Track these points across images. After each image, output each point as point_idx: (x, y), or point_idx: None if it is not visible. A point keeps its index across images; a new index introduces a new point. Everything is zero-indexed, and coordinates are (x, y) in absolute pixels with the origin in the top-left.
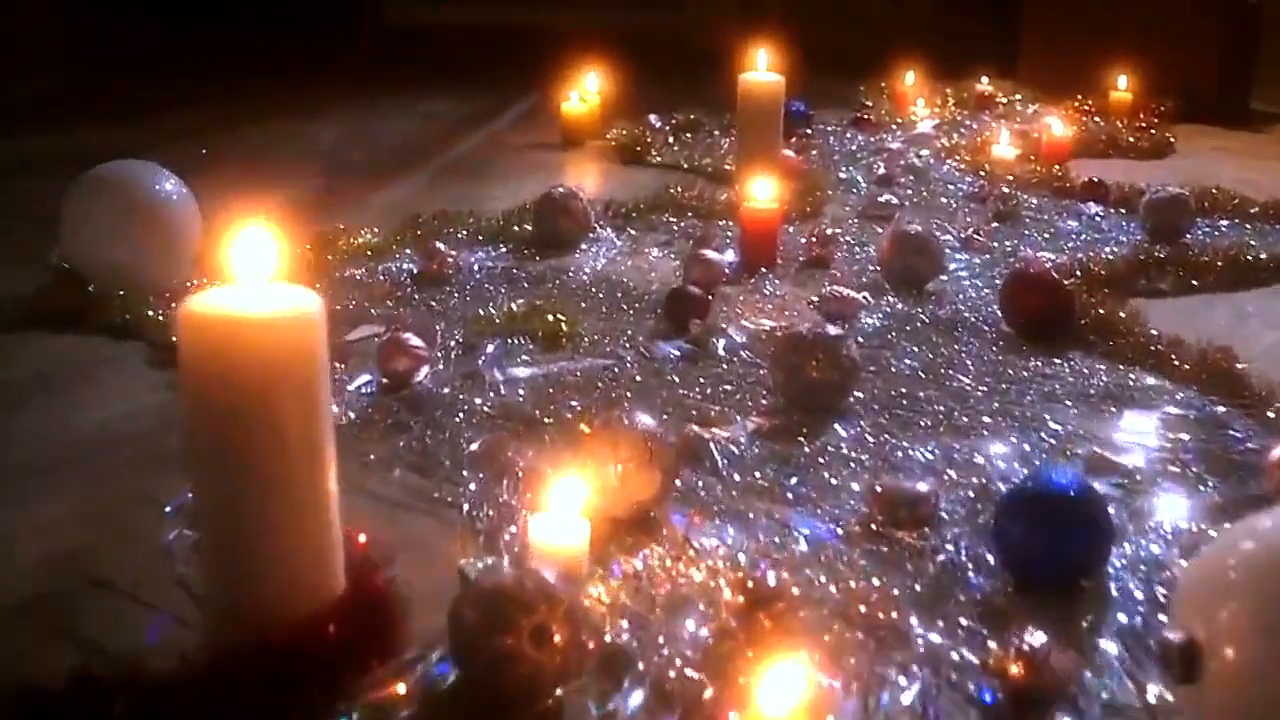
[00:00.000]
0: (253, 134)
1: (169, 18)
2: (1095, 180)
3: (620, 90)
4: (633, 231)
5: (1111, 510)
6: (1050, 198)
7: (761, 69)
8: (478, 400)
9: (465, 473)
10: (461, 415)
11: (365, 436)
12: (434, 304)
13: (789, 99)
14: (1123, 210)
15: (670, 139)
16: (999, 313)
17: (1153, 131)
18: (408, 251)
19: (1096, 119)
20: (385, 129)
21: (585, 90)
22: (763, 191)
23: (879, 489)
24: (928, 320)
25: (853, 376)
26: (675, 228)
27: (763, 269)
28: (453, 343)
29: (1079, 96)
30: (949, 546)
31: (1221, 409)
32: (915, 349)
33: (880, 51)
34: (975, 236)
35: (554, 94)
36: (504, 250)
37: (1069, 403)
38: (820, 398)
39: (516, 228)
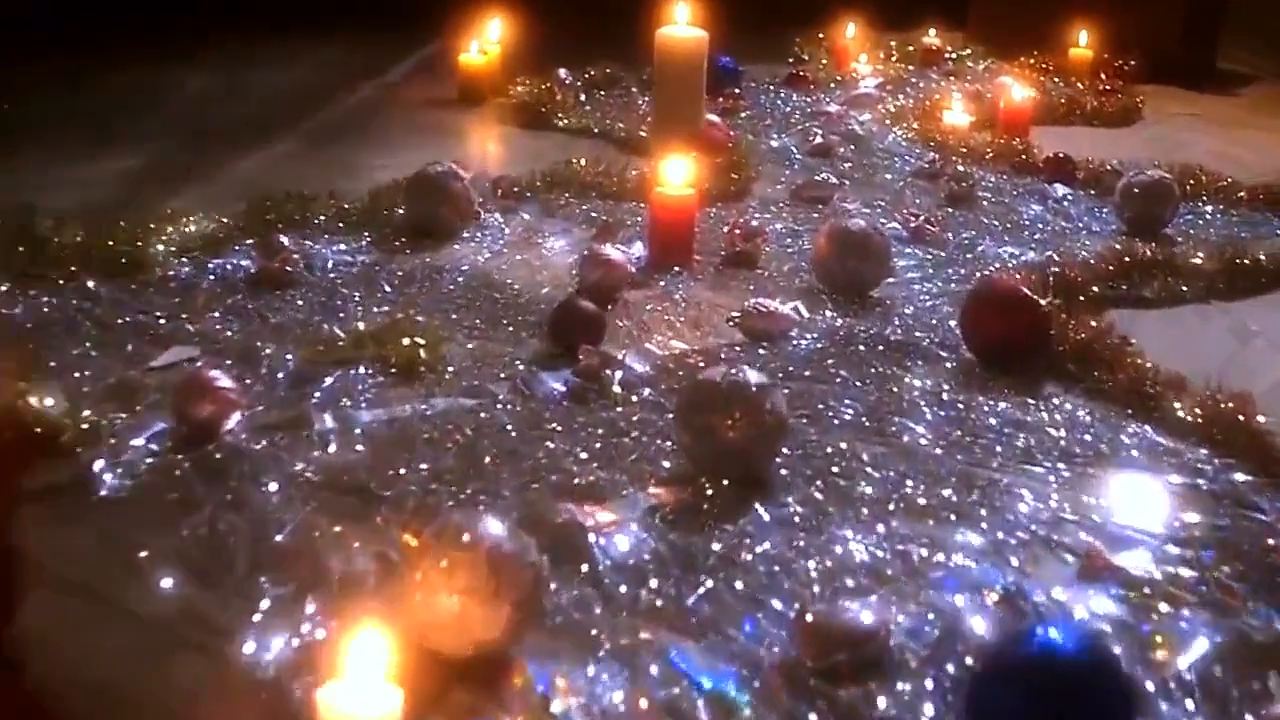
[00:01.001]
0: (104, 85)
1: None
2: (1061, 156)
3: (527, 39)
4: (526, 216)
5: (1127, 670)
6: (1010, 176)
7: (682, 22)
8: (300, 462)
9: (264, 581)
10: (275, 484)
11: (138, 518)
12: (269, 315)
13: (716, 53)
14: (1093, 191)
15: (582, 97)
16: (957, 331)
17: (1119, 95)
18: (249, 244)
19: (1055, 79)
20: (263, 79)
21: (486, 40)
22: (676, 174)
23: (810, 619)
24: (872, 341)
25: (777, 436)
26: (577, 212)
27: (676, 268)
28: (281, 373)
29: (1035, 53)
30: (904, 712)
31: (1241, 477)
32: (857, 384)
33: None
34: (926, 226)
35: (455, 42)
36: (367, 241)
37: (1049, 463)
38: (737, 465)
39: (386, 211)
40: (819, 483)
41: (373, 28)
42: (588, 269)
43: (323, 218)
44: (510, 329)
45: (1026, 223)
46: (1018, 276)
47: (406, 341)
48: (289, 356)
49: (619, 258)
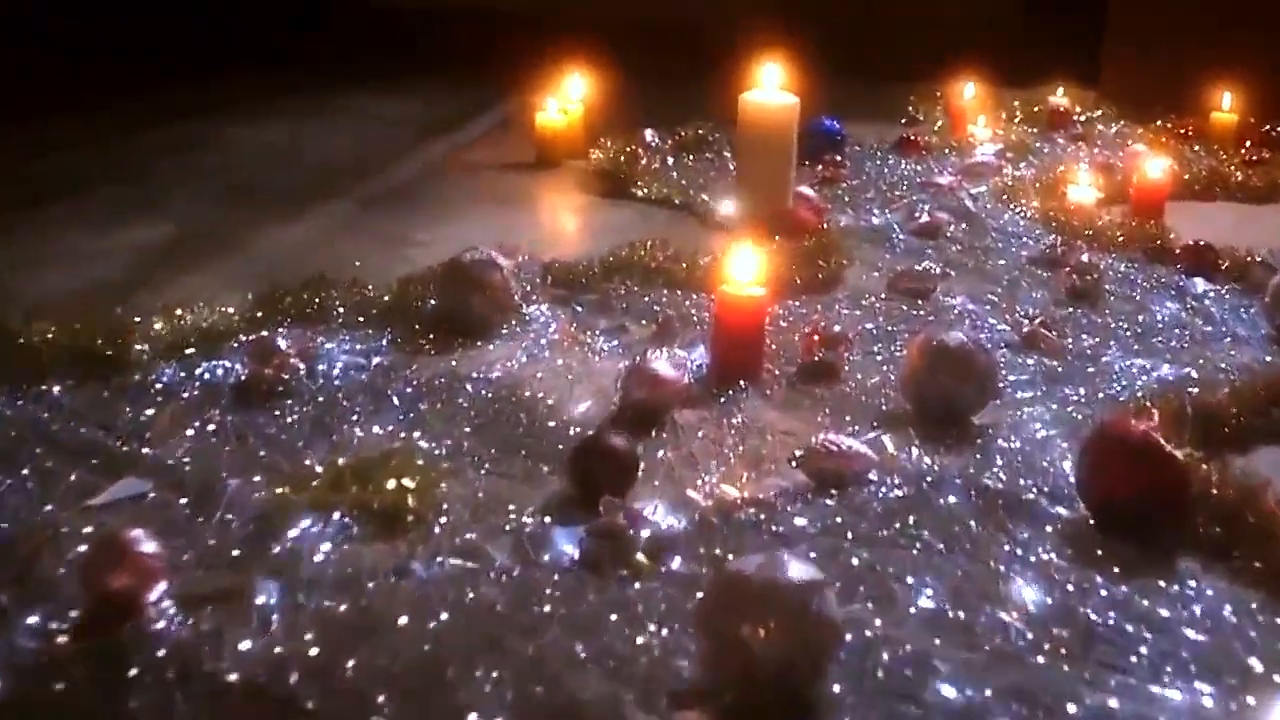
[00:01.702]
0: (152, 139)
1: None
2: (1201, 244)
3: (614, 96)
4: (578, 309)
5: None
6: (1142, 264)
7: (771, 85)
8: (224, 657)
9: None
10: (177, 697)
11: None
12: (248, 436)
13: (819, 116)
14: (1237, 286)
15: (669, 160)
16: (1072, 479)
17: (1267, 167)
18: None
19: (1195, 146)
20: (326, 136)
21: (566, 98)
22: (745, 269)
23: None
24: (966, 488)
25: (825, 647)
26: (639, 304)
27: (741, 381)
28: (238, 520)
29: (1173, 116)
30: None
31: None
32: (941, 550)
33: (941, 51)
34: (1042, 331)
35: (537, 99)
36: (388, 340)
37: (1183, 684)
38: (773, 684)
39: (417, 304)
40: (880, 708)
41: (455, 81)
42: (632, 386)
43: (341, 310)
44: (529, 461)
45: (1160, 324)
46: (1148, 414)
47: (393, 483)
48: (257, 495)
49: (670, 374)
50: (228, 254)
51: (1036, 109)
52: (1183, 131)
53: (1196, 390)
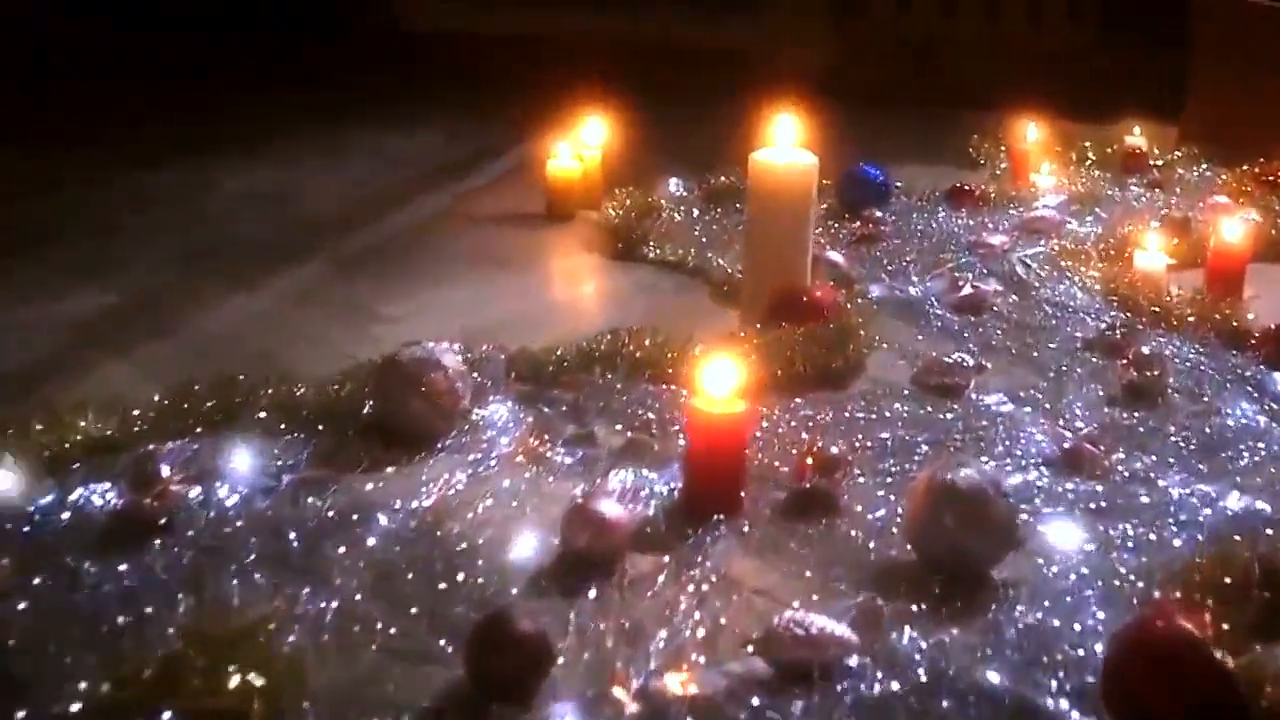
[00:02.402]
0: (130, 184)
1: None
2: None
3: (642, 133)
4: (545, 409)
5: None
6: (1213, 352)
7: (788, 141)
8: None
9: None
10: None
11: None
12: (94, 597)
13: (864, 163)
14: None
15: (694, 212)
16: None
17: None
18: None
19: None
20: (321, 180)
21: (582, 143)
22: (721, 380)
23: None
24: (967, 685)
25: None
26: (615, 405)
27: (716, 516)
28: None
29: (1262, 160)
30: None
31: None
32: None
33: (1009, 81)
34: (1088, 448)
35: (548, 143)
36: (307, 454)
37: None
38: None
39: (354, 406)
40: None
41: (482, 114)
42: (572, 531)
43: (263, 413)
44: (432, 634)
45: (1231, 433)
46: (1199, 609)
47: (237, 679)
48: (83, 685)
49: (617, 516)
50: (163, 333)
51: (1110, 149)
52: (1271, 179)
53: (1271, 532)
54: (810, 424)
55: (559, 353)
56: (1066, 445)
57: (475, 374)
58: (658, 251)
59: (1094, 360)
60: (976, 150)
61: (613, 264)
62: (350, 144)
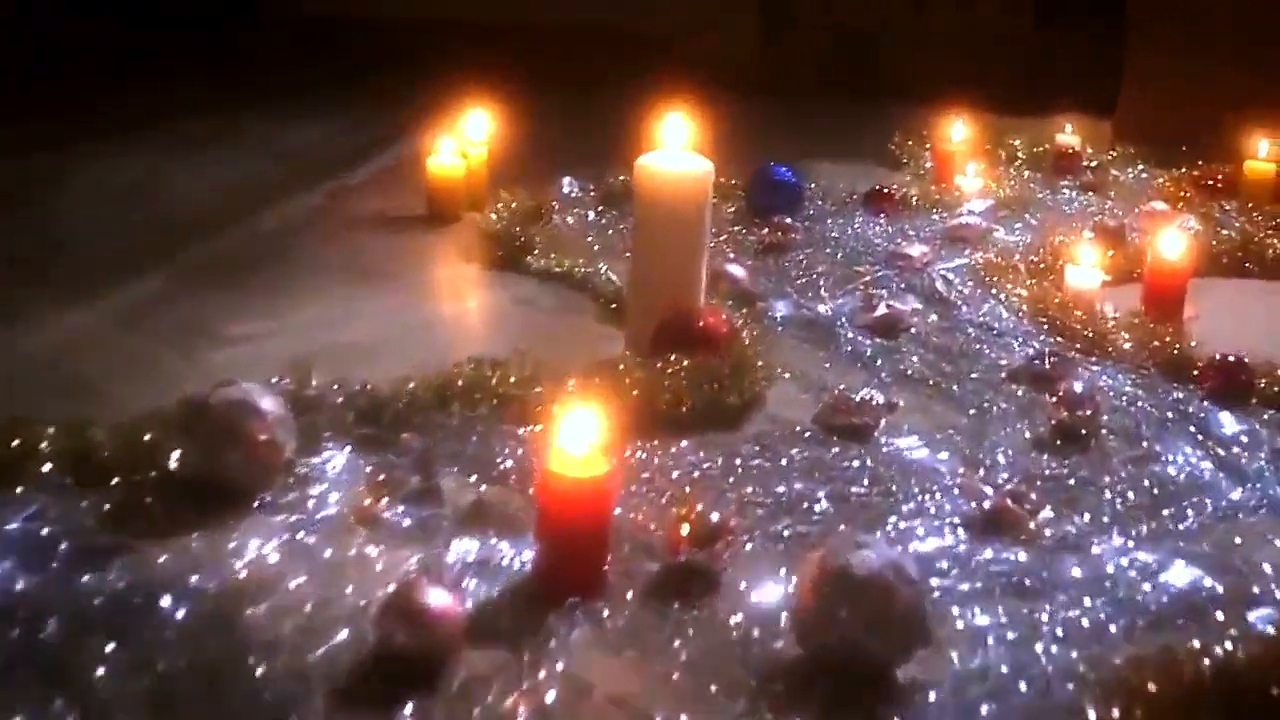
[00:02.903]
0: None
1: None
2: (1229, 361)
3: (539, 127)
4: (390, 458)
5: None
6: (1153, 384)
7: (679, 143)
8: None
9: None
10: None
11: None
12: None
13: (776, 164)
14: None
15: (589, 216)
16: None
17: None
18: None
19: (1225, 204)
20: (190, 176)
21: (467, 138)
22: (580, 438)
23: None
24: None
25: None
26: (469, 451)
27: (571, 600)
28: None
29: (1200, 162)
30: None
31: None
32: None
33: (941, 72)
34: (1011, 506)
35: (430, 138)
36: (94, 519)
37: None
38: None
39: (160, 456)
40: None
41: (380, 101)
42: (387, 624)
43: (49, 466)
44: None
45: (1174, 484)
46: None
47: None
48: None
49: (444, 607)
50: None
51: (1041, 149)
52: (1211, 182)
53: (1223, 617)
54: (695, 474)
55: (411, 387)
56: (987, 504)
57: (306, 416)
58: (543, 261)
59: (1020, 394)
60: (899, 148)
61: (493, 276)
62: (237, 137)
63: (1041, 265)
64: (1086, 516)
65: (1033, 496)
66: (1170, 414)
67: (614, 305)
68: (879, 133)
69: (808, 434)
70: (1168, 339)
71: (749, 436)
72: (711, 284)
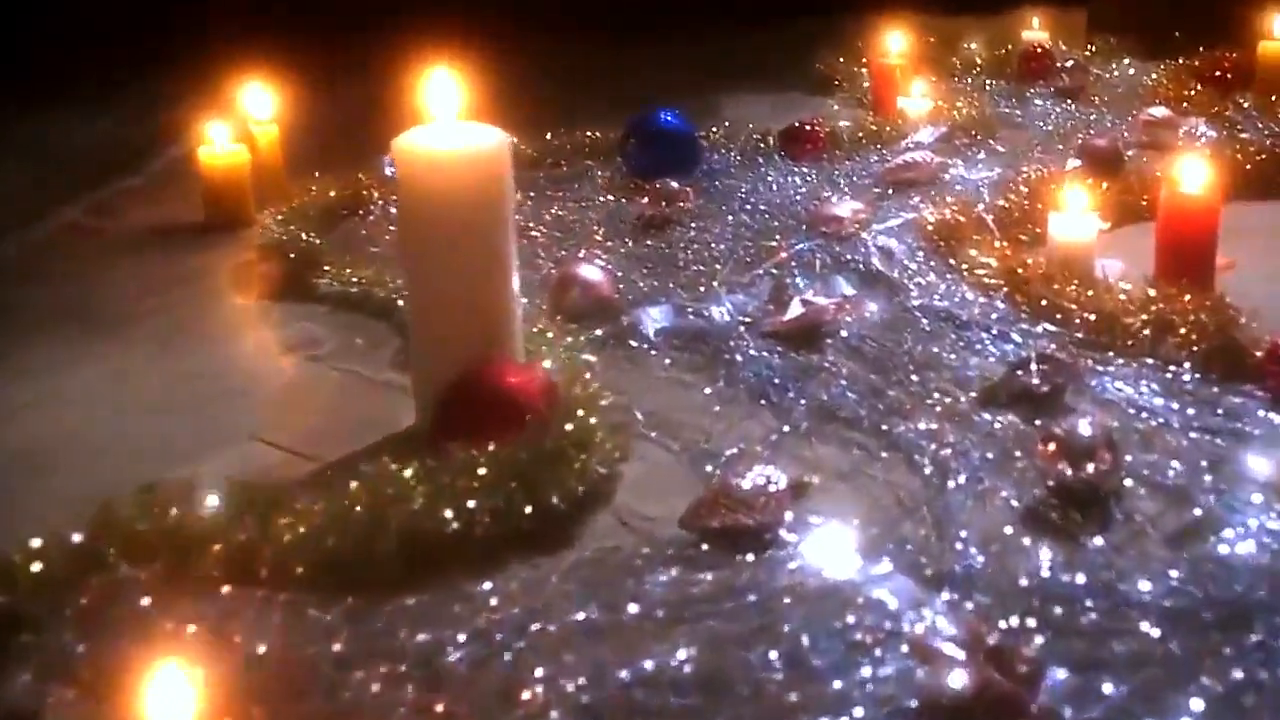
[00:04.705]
0: None
1: None
2: None
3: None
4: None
5: None
6: (1195, 395)
7: (447, 112)
8: None
9: None
10: None
11: None
12: None
13: (661, 110)
14: None
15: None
16: None
17: None
18: None
19: (1242, 99)
20: None
21: (249, 117)
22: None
23: None
24: None
25: None
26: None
27: None
28: None
29: (1201, 49)
30: None
31: None
32: None
33: None
34: (1000, 683)
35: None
36: None
37: None
38: None
39: None
40: None
41: (184, 87)
42: None
43: None
44: None
45: (1254, 600)
46: None
47: None
48: None
49: None
50: None
51: (1004, 50)
52: (1220, 73)
53: None
54: (456, 656)
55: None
56: (956, 680)
57: None
58: (337, 280)
59: (999, 428)
60: (828, 68)
61: (267, 308)
62: (18, 132)
63: (1016, 214)
64: (1114, 681)
65: (1036, 642)
66: (1222, 446)
67: None
68: (804, 53)
69: (670, 550)
70: (1203, 316)
71: (572, 566)
72: (556, 297)
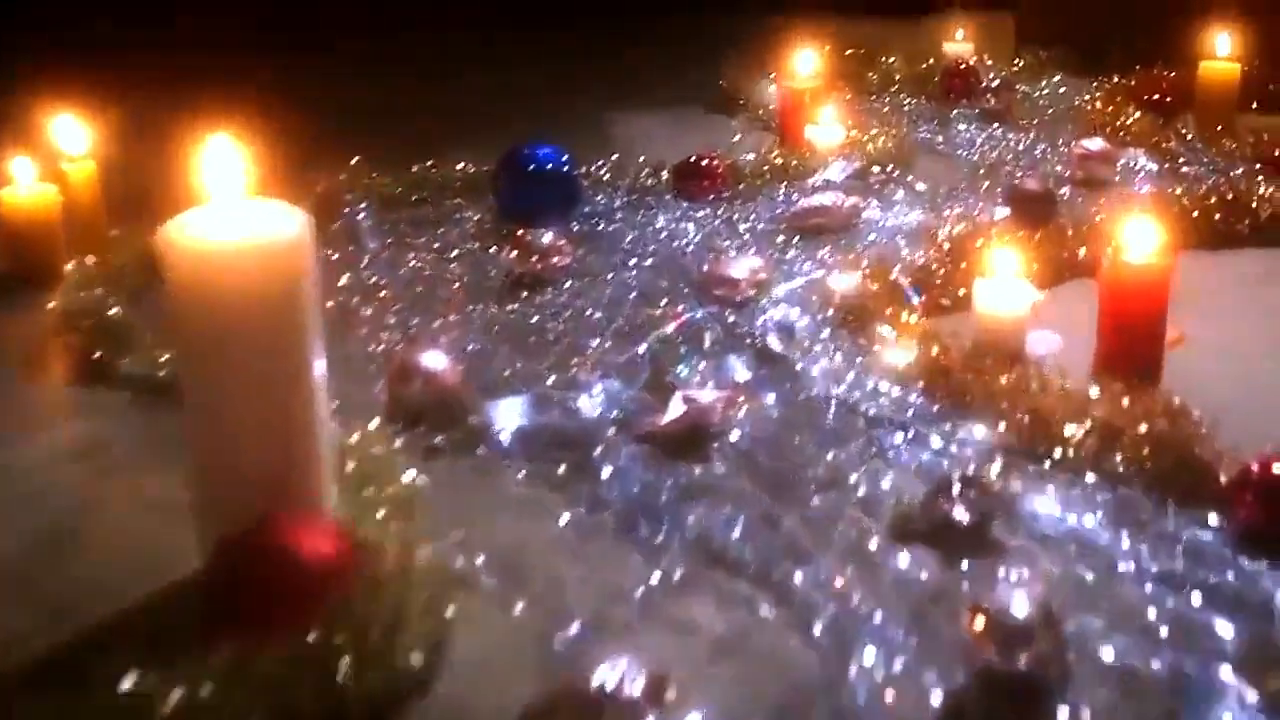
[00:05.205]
0: None
1: None
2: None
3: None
4: None
5: None
6: (1153, 525)
7: (232, 176)
8: None
9: None
10: None
11: None
12: None
13: (536, 144)
14: None
15: None
16: None
17: None
18: None
19: (1183, 128)
20: None
21: (66, 153)
22: None
23: None
24: None
25: None
26: None
27: None
28: None
29: (1137, 68)
30: None
31: None
32: None
33: None
34: None
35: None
36: None
37: None
38: None
39: None
40: None
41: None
42: None
43: None
44: None
45: None
46: None
47: None
48: None
49: None
50: None
51: (925, 65)
52: (1157, 95)
53: None
54: None
55: None
56: None
57: None
58: (141, 361)
59: (913, 574)
60: (731, 85)
61: (63, 397)
62: None
63: (937, 275)
64: None
65: None
66: (1182, 598)
67: None
68: (705, 64)
69: None
70: (1155, 425)
71: None
72: (395, 389)
